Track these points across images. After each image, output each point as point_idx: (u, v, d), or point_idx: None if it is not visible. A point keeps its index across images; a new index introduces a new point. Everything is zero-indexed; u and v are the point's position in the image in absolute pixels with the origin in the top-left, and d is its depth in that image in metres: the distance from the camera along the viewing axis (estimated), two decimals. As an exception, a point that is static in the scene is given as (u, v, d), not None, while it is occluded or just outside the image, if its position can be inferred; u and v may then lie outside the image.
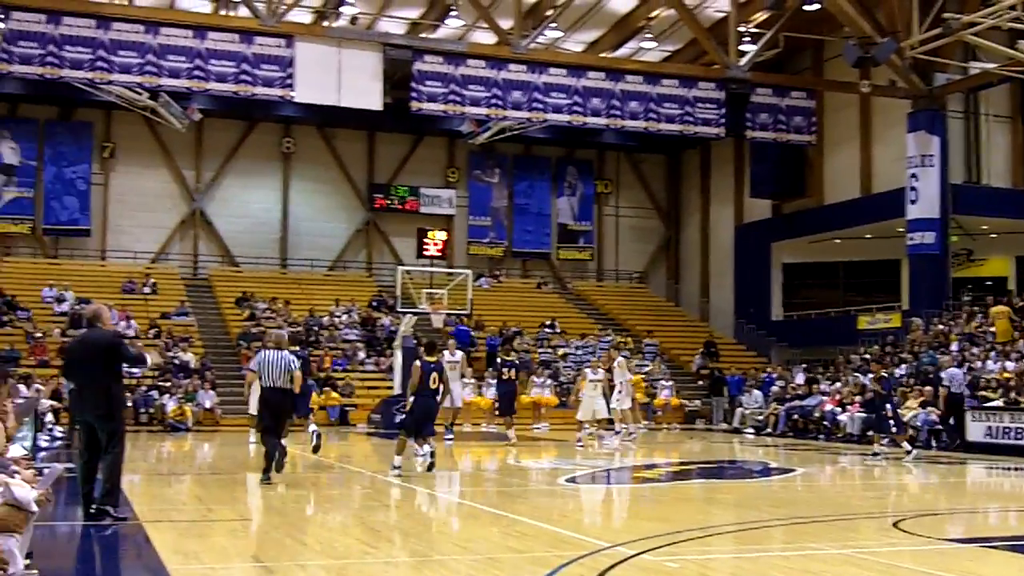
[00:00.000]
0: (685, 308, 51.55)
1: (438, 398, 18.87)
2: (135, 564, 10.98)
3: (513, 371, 29.55)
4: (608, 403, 26.78)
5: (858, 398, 31.38)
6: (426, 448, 18.75)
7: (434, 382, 18.77)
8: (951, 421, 28.52)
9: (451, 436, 28.39)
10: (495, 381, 31.28)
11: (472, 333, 41.32)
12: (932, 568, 10.18)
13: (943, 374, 29.87)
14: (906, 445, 24.90)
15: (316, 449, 20.55)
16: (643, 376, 37.71)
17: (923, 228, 36.01)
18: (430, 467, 18.52)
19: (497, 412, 30.04)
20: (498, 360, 31.26)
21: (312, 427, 21.11)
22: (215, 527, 12.65)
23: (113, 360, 12.70)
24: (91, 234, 44.87)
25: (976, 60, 36.03)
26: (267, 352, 17.70)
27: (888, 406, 25.21)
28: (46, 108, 44.33)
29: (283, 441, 18.35)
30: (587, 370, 26.97)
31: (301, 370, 17.70)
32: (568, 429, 31.67)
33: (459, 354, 29.55)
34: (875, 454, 24.71)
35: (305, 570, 9.67)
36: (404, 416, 19.55)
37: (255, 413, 22.16)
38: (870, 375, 28.88)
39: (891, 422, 25.02)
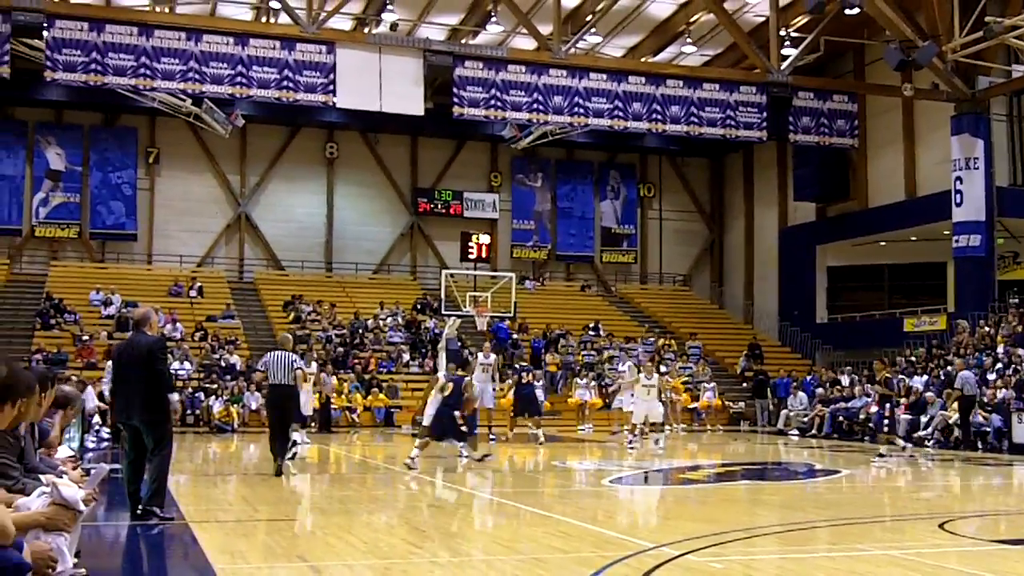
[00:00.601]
0: (729, 311, 51.45)
1: (458, 408, 21.21)
2: (182, 563, 11.06)
3: (531, 374, 30.00)
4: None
5: (904, 400, 31.29)
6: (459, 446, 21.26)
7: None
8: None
9: (493, 437, 28.52)
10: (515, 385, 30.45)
11: (514, 335, 41.40)
12: (979, 569, 10.11)
13: (958, 377, 29.91)
14: (882, 448, 25.08)
15: (292, 456, 20.97)
16: (688, 378, 37.74)
17: (968, 231, 35.84)
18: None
19: (513, 414, 29.87)
20: (516, 365, 31.29)
21: (295, 435, 22.29)
22: (261, 527, 12.74)
23: (151, 363, 12.78)
24: (137, 238, 45.26)
25: (1019, 63, 35.83)
26: (273, 353, 19.36)
27: (888, 405, 25.54)
28: (91, 114, 44.74)
29: (294, 435, 20.77)
30: (641, 375, 26.86)
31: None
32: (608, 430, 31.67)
33: (492, 357, 29.65)
34: (903, 448, 24.72)
35: (351, 570, 9.71)
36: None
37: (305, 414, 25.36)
38: (875, 378, 29.12)
39: (886, 421, 25.46)
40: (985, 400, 28.65)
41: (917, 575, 9.82)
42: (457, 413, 21.24)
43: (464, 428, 21.92)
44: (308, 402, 27.44)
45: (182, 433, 29.84)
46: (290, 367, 18.96)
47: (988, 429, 27.84)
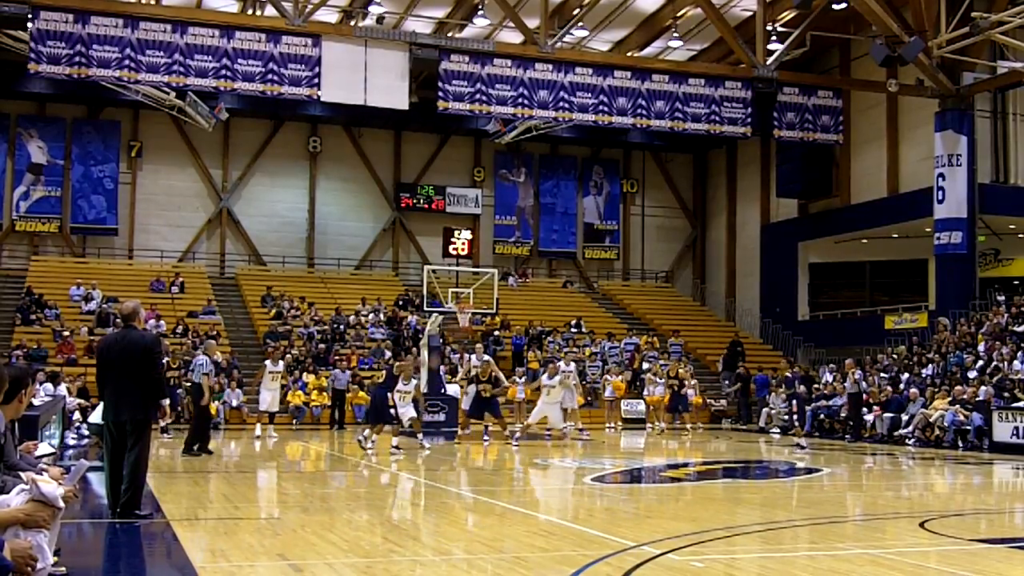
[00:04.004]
0: (711, 308, 51.50)
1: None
2: (163, 562, 11.01)
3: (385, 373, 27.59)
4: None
5: (880, 398, 31.60)
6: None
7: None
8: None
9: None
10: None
11: (495, 332, 41.41)
12: (960, 568, 10.14)
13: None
14: (802, 441, 25.74)
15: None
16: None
17: (950, 228, 35.89)
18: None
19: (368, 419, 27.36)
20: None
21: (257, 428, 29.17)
22: (242, 525, 12.68)
23: (149, 364, 12.63)
24: (118, 233, 45.13)
25: (1004, 59, 35.88)
26: (196, 357, 24.24)
27: (794, 402, 26.45)
28: (74, 107, 44.63)
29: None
30: (543, 376, 27.83)
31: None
32: (594, 428, 31.69)
33: (486, 358, 29.52)
34: (800, 446, 25.31)
35: (332, 568, 9.67)
36: None
37: (264, 409, 29.00)
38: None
39: (795, 416, 26.50)
40: (966, 398, 28.72)
41: (898, 574, 9.82)
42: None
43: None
44: (273, 399, 28.33)
45: (164, 431, 29.70)
46: (199, 369, 23.25)
47: (969, 427, 27.88)
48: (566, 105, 35.75)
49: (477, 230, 48.10)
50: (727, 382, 40.70)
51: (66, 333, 36.21)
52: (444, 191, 49.24)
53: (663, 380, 34.95)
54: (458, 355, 38.18)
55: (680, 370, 35.25)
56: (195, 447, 22.70)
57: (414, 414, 25.13)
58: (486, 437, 27.61)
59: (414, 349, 38.60)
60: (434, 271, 37.80)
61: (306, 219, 47.95)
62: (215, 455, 23.03)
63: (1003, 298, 35.14)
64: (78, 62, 31.21)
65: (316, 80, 33.12)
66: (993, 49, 35.93)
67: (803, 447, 25.20)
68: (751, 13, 38.69)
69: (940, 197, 36.07)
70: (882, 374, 33.72)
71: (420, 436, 25.41)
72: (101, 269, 43.39)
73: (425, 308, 37.13)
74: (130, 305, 13.18)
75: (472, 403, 28.47)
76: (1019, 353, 30.21)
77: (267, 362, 29.49)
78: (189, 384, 25.18)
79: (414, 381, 25.76)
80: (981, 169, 37.16)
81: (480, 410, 28.06)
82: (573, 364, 31.96)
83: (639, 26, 42.39)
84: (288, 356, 35.71)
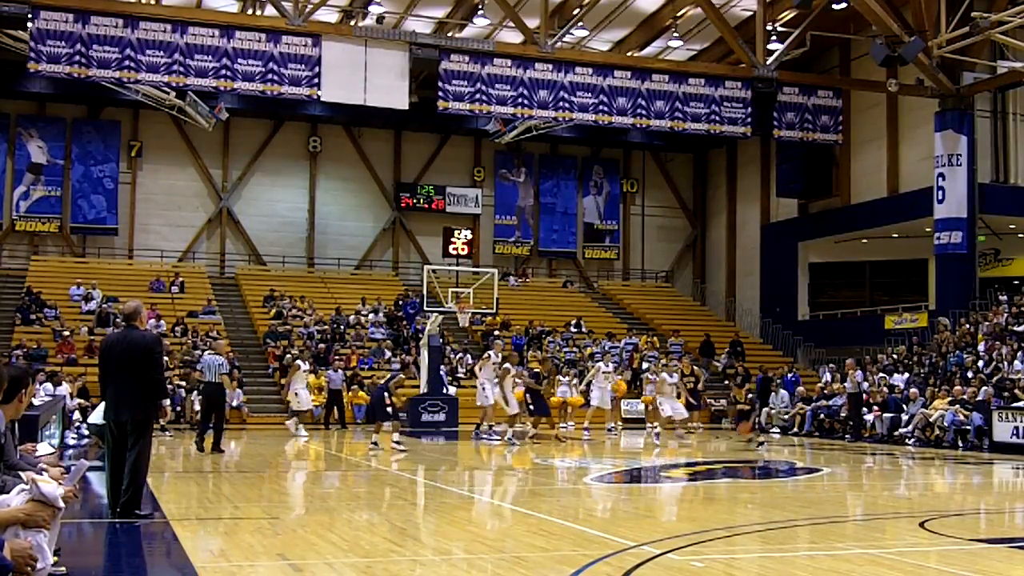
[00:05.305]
0: (711, 307, 51.49)
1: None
2: (162, 561, 11.00)
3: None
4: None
5: (878, 398, 31.67)
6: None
7: None
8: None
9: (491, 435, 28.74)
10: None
11: (496, 332, 41.39)
12: (960, 568, 10.13)
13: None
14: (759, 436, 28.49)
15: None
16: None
17: (950, 228, 35.87)
18: None
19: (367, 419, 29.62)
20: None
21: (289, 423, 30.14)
22: (242, 525, 12.65)
23: (150, 364, 12.63)
24: (118, 233, 45.14)
25: (1004, 59, 35.87)
26: (206, 356, 25.05)
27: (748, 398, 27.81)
28: (74, 107, 44.65)
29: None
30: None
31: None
32: (594, 428, 31.72)
33: (500, 356, 30.22)
34: (760, 443, 26.99)
35: (332, 568, 9.67)
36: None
37: (305, 408, 30.50)
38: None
39: (754, 415, 29.10)
40: (966, 398, 28.71)
41: (898, 574, 9.81)
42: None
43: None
44: (307, 398, 30.68)
45: (163, 429, 29.73)
46: (218, 369, 23.83)
47: (969, 427, 27.88)
48: (566, 105, 35.73)
49: (477, 230, 48.12)
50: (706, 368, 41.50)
51: (66, 333, 36.21)
52: (444, 191, 49.26)
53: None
54: (458, 355, 38.22)
55: (695, 368, 35.46)
56: (210, 444, 23.72)
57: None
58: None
59: (414, 349, 38.75)
60: (434, 271, 37.80)
61: (306, 219, 47.96)
62: (210, 454, 23.30)
63: (1005, 298, 35.11)
64: (78, 62, 31.20)
65: (316, 80, 33.11)
66: (993, 49, 35.92)
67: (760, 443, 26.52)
68: (751, 13, 38.68)
69: (940, 197, 36.06)
70: (881, 374, 33.76)
71: (396, 437, 24.95)
72: (101, 269, 43.39)
73: (425, 308, 37.07)
74: (132, 305, 13.19)
75: (536, 401, 29.03)
76: (1019, 353, 30.22)
77: (299, 361, 31.09)
78: (201, 384, 25.84)
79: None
80: (981, 169, 37.16)
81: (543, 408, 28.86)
82: (612, 365, 32.76)
83: (639, 26, 42.38)
84: (287, 356, 35.80)
